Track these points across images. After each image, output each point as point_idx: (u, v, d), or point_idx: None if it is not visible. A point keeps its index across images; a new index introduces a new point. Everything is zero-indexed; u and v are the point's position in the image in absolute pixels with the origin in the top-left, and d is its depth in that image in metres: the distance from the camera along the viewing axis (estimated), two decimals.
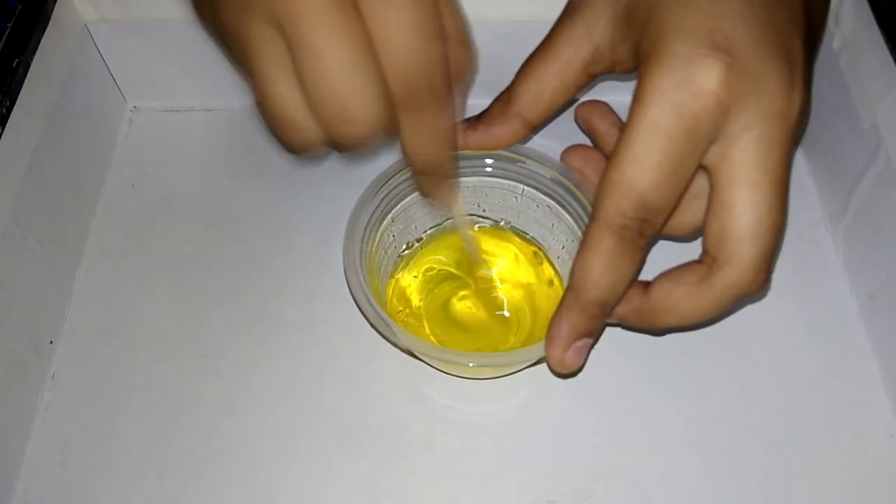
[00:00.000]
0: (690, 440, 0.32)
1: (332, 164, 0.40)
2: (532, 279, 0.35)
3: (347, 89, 0.23)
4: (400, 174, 0.33)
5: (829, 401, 0.33)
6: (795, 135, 0.26)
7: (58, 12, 0.36)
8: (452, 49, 0.26)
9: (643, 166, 0.25)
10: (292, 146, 0.26)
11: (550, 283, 0.35)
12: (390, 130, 0.25)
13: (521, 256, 0.36)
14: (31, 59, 0.33)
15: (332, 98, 0.23)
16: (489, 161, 0.34)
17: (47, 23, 0.35)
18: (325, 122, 0.24)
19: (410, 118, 0.25)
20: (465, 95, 0.28)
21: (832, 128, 0.38)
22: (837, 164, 0.37)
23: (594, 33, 0.28)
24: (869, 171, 0.34)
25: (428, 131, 0.26)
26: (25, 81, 0.33)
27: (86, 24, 0.38)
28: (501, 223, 0.36)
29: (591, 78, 0.30)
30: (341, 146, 0.26)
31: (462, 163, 0.34)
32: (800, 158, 0.40)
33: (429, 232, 0.36)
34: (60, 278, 0.36)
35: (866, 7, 0.34)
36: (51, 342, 0.35)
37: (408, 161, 0.27)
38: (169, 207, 0.39)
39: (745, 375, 0.34)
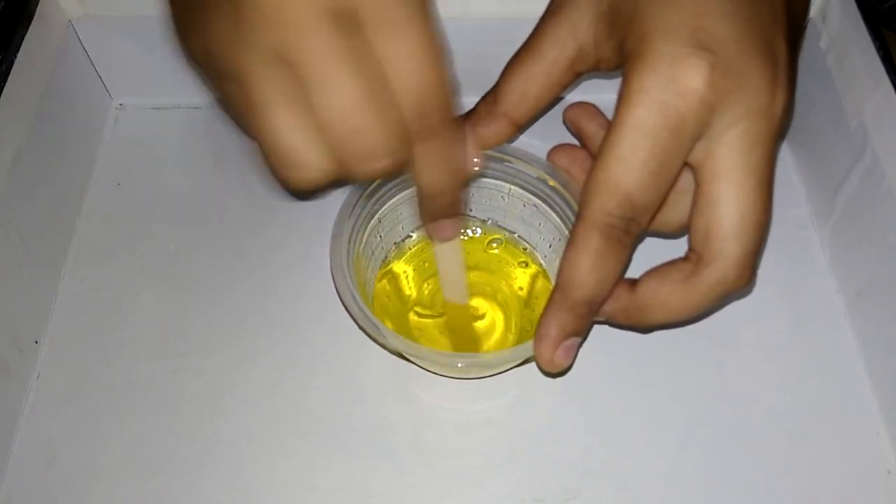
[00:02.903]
0: (678, 439, 0.32)
1: None
2: (516, 281, 0.35)
3: (365, 125, 0.23)
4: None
5: (815, 398, 0.33)
6: (779, 131, 0.26)
7: (42, 8, 0.35)
8: None
9: (629, 165, 0.25)
10: (294, 184, 0.24)
11: (536, 276, 0.35)
12: (406, 161, 0.25)
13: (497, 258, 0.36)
14: (15, 57, 0.33)
15: (350, 135, 0.23)
16: (476, 160, 0.34)
17: (31, 19, 0.35)
18: (342, 160, 0.23)
19: (424, 146, 0.24)
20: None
21: (819, 126, 0.38)
22: (824, 162, 0.37)
23: (578, 32, 0.28)
24: (855, 169, 0.34)
25: (441, 159, 0.25)
26: (9, 79, 0.33)
27: (70, 21, 0.38)
28: (489, 222, 0.36)
29: (577, 76, 0.30)
30: (354, 180, 0.24)
31: None
32: (787, 157, 0.40)
33: (416, 233, 0.36)
34: (45, 278, 0.36)
35: (853, 6, 0.34)
36: (36, 342, 0.34)
37: (419, 189, 0.27)
38: (155, 206, 0.39)
39: (733, 374, 0.34)
